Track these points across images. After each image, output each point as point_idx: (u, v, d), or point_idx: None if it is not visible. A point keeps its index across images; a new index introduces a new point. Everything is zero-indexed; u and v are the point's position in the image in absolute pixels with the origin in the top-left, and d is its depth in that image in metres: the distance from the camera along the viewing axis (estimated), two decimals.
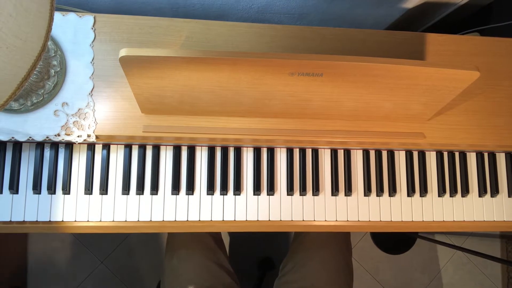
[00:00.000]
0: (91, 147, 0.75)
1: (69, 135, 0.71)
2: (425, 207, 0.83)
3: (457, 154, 0.85)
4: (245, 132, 0.74)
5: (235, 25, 0.78)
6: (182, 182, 0.77)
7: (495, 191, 0.84)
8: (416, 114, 0.76)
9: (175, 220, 0.76)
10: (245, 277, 1.54)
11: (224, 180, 0.78)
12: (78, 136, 0.71)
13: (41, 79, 0.69)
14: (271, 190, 0.79)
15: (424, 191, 0.82)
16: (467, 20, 1.12)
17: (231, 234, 1.57)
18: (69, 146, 0.74)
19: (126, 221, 0.75)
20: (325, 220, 0.80)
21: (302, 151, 0.81)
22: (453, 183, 0.84)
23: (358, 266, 1.67)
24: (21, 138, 0.70)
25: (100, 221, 0.74)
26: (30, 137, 0.70)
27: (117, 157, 0.76)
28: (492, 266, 1.76)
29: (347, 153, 0.82)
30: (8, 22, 0.44)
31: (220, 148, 0.79)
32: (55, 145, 0.74)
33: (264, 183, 0.79)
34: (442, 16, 1.08)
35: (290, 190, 0.79)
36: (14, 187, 0.72)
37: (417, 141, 0.79)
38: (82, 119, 0.71)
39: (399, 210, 0.82)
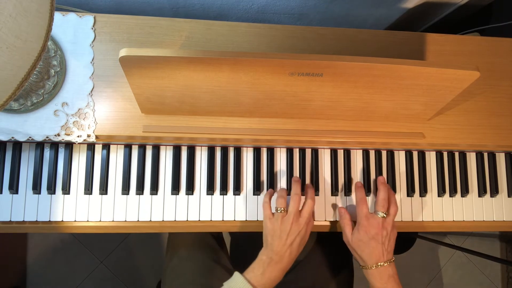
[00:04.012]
0: (91, 147, 0.75)
1: (69, 135, 0.71)
2: (425, 207, 0.83)
3: (456, 154, 0.85)
4: (245, 132, 0.74)
5: (235, 25, 0.78)
6: (182, 182, 0.77)
7: (494, 191, 0.84)
8: (416, 114, 0.76)
9: (175, 220, 0.76)
10: None
11: (224, 180, 0.78)
12: (78, 136, 0.71)
13: (41, 79, 0.69)
14: None
15: (423, 191, 0.82)
16: (467, 20, 1.12)
17: (232, 234, 1.57)
18: (69, 146, 0.74)
19: (126, 221, 0.75)
20: (325, 220, 0.80)
21: (302, 151, 0.81)
22: (452, 183, 0.84)
23: (358, 266, 1.67)
24: (21, 138, 0.70)
25: (100, 221, 0.74)
26: (30, 137, 0.70)
27: (117, 157, 0.76)
28: (492, 266, 1.76)
29: (347, 153, 0.82)
30: (8, 22, 0.44)
31: (220, 148, 0.79)
32: (55, 145, 0.74)
33: (264, 183, 0.79)
34: (442, 16, 1.08)
35: (289, 190, 0.79)
36: (14, 187, 0.72)
37: (417, 141, 0.79)
38: (82, 119, 0.71)
39: (399, 210, 0.82)
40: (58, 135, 0.70)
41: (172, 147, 0.78)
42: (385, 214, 0.72)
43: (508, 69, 0.83)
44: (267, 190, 0.79)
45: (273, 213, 0.71)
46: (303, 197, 0.75)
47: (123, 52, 0.55)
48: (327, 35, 0.80)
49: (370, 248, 0.70)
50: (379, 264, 0.69)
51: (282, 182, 0.80)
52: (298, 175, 0.80)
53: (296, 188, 0.73)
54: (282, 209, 0.70)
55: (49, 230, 0.73)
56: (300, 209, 0.72)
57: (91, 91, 0.72)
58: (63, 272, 1.48)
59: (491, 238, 1.77)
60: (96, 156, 0.75)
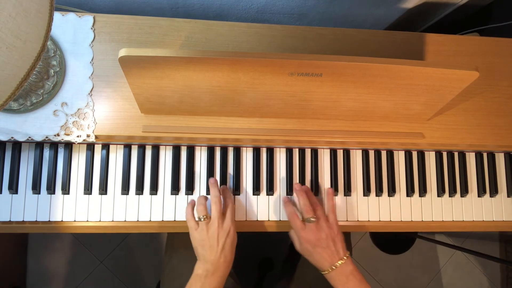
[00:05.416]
0: (90, 147, 0.75)
1: (68, 135, 0.71)
2: (424, 207, 0.83)
3: (456, 154, 0.85)
4: (244, 132, 0.74)
5: (235, 25, 0.78)
6: (182, 182, 0.77)
7: (494, 191, 0.84)
8: (416, 114, 0.76)
9: (175, 220, 0.76)
10: (245, 277, 1.54)
11: (224, 180, 0.78)
12: (78, 136, 0.71)
13: (41, 79, 0.69)
14: (270, 190, 0.79)
15: (423, 191, 0.82)
16: (467, 20, 1.12)
17: None
18: (69, 146, 0.74)
19: (125, 221, 0.75)
20: None
21: (302, 151, 0.81)
22: (452, 183, 0.84)
23: (358, 266, 1.65)
24: (20, 138, 0.70)
25: (100, 221, 0.74)
26: (29, 137, 0.70)
27: (116, 157, 0.76)
28: (491, 266, 1.76)
29: (347, 153, 0.82)
30: (7, 22, 0.44)
31: (219, 148, 0.79)
32: (54, 145, 0.74)
33: (264, 183, 0.79)
34: (442, 16, 1.08)
35: (289, 190, 0.79)
36: (13, 187, 0.72)
37: (416, 141, 0.79)
38: (81, 119, 0.71)
39: (398, 210, 0.82)
40: (58, 135, 0.70)
41: (171, 147, 0.78)
42: (313, 217, 0.72)
43: (507, 69, 0.83)
44: (266, 190, 0.79)
45: (197, 223, 0.70)
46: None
47: (122, 52, 0.55)
48: (327, 35, 0.80)
49: (318, 254, 0.71)
50: (334, 265, 0.70)
51: (281, 182, 0.80)
52: (298, 175, 0.80)
53: (214, 190, 0.72)
54: (204, 216, 0.69)
55: (49, 230, 0.73)
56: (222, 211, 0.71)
57: (91, 91, 0.72)
58: (63, 272, 1.48)
59: (491, 238, 1.77)
60: (96, 156, 0.75)
